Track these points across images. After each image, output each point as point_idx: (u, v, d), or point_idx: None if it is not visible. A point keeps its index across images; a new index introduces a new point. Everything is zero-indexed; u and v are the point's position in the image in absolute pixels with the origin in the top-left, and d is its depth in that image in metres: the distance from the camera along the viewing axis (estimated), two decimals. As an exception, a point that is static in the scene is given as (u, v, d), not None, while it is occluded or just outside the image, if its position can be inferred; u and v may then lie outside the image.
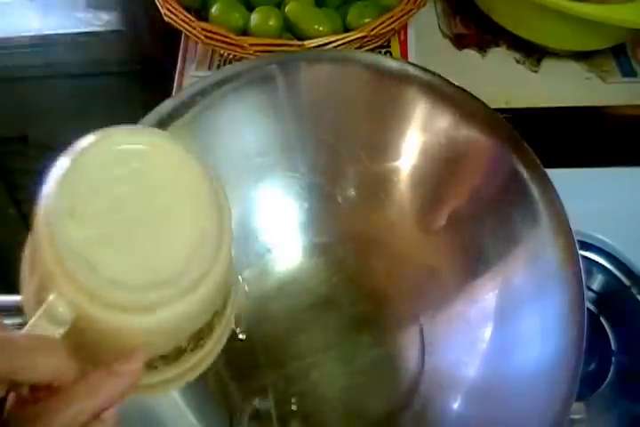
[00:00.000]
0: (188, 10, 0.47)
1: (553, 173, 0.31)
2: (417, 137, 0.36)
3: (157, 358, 0.23)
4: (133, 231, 0.20)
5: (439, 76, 0.34)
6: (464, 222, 0.35)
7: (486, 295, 0.33)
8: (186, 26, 0.46)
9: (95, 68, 0.57)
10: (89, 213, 0.20)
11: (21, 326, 0.25)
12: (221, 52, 0.50)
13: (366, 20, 0.46)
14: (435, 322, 0.35)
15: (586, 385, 0.36)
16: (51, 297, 0.19)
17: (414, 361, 0.35)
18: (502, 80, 0.50)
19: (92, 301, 0.19)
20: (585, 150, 0.46)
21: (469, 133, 0.34)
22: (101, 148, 0.21)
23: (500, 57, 0.51)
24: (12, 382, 0.18)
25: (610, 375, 0.37)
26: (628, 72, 0.50)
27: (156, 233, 0.21)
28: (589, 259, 0.40)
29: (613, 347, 0.38)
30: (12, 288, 0.27)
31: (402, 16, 0.46)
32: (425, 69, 0.35)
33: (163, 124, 0.33)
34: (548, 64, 0.51)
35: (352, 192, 0.38)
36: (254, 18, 0.47)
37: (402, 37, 0.52)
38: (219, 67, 0.51)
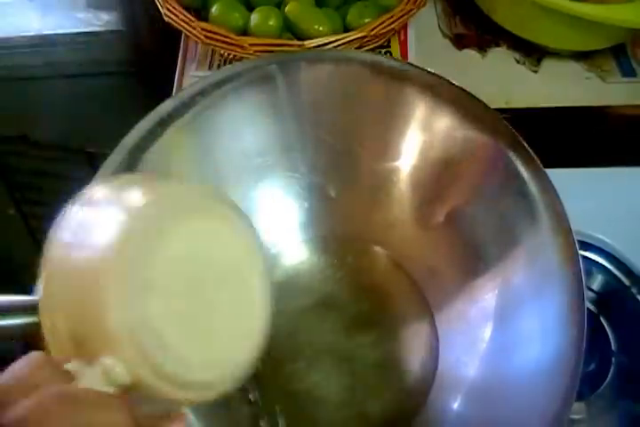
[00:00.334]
0: (187, 10, 0.47)
1: (553, 173, 0.31)
2: (417, 137, 0.36)
3: None
4: (208, 315, 0.21)
5: (439, 76, 0.34)
6: (464, 222, 0.35)
7: (486, 295, 0.33)
8: (186, 26, 0.46)
9: (95, 68, 0.57)
10: (168, 290, 0.20)
11: (21, 326, 0.25)
12: (221, 52, 0.50)
13: (366, 20, 0.46)
14: (435, 322, 0.35)
15: (586, 385, 0.36)
16: (109, 360, 0.19)
17: (414, 361, 0.35)
18: (502, 80, 0.50)
19: (154, 373, 0.19)
20: (585, 150, 0.46)
21: (469, 133, 0.34)
22: (183, 224, 0.21)
23: (500, 57, 0.51)
24: None
25: (610, 375, 0.37)
26: (627, 72, 0.50)
27: (227, 320, 0.22)
28: (589, 259, 0.40)
29: (613, 347, 0.38)
30: (12, 288, 0.27)
31: (402, 16, 0.46)
32: (425, 69, 0.35)
33: (163, 124, 0.33)
34: (547, 64, 0.51)
35: (352, 192, 0.38)
36: (254, 18, 0.47)
37: (402, 37, 0.52)
38: (219, 67, 0.51)
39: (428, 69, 0.35)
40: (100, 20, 0.59)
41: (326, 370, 0.35)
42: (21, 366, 0.19)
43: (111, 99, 0.55)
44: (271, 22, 0.46)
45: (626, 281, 0.40)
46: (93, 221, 0.20)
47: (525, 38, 0.50)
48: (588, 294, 0.39)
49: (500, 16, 0.51)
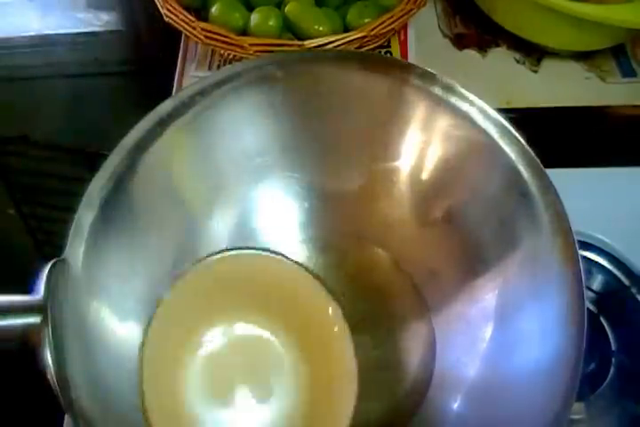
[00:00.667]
0: (187, 10, 0.47)
1: (553, 173, 0.31)
2: (417, 137, 0.36)
3: None
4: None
5: (439, 75, 0.34)
6: (464, 222, 0.35)
7: (486, 295, 0.33)
8: (186, 26, 0.46)
9: (95, 69, 0.57)
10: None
11: (21, 326, 0.25)
12: (221, 52, 0.50)
13: (366, 20, 0.46)
14: (435, 322, 0.35)
15: (586, 385, 0.36)
16: None
17: (415, 362, 0.35)
18: (502, 80, 0.50)
19: None
20: (585, 150, 0.46)
21: (469, 133, 0.34)
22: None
23: (500, 57, 0.51)
24: None
25: (610, 375, 0.37)
26: (627, 72, 0.50)
27: None
28: (589, 259, 0.40)
29: (613, 347, 0.38)
30: (12, 288, 0.27)
31: (402, 16, 0.46)
32: (425, 69, 0.35)
33: (162, 124, 0.33)
34: (547, 64, 0.51)
35: (352, 191, 0.38)
36: (254, 18, 0.47)
37: (402, 37, 0.52)
38: (219, 67, 0.51)
39: (429, 69, 0.35)
40: (100, 21, 0.59)
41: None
42: None
43: (111, 99, 0.55)
44: (271, 22, 0.46)
45: (626, 281, 0.40)
46: None
47: (525, 38, 0.50)
48: (588, 294, 0.39)
49: (501, 16, 0.51)
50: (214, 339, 0.22)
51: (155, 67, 0.56)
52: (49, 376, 0.25)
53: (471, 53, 0.52)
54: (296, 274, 0.22)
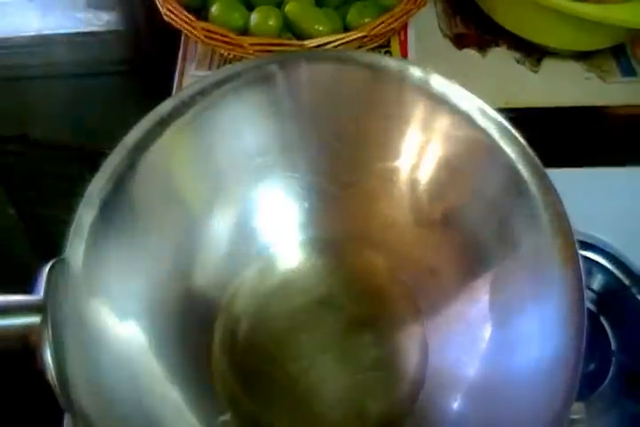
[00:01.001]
0: (187, 9, 0.47)
1: (553, 173, 0.31)
2: (416, 136, 0.36)
3: None
4: None
5: (439, 75, 0.34)
6: (464, 222, 0.35)
7: (486, 295, 0.33)
8: (186, 26, 0.46)
9: (95, 68, 0.57)
10: None
11: (21, 326, 0.25)
12: (221, 51, 0.50)
13: (366, 20, 0.46)
14: (435, 322, 0.35)
15: (586, 385, 0.36)
16: None
17: (416, 362, 0.35)
18: (502, 80, 0.50)
19: None
20: (585, 150, 0.46)
21: (469, 133, 0.34)
22: None
23: (500, 57, 0.51)
24: None
25: (610, 375, 0.37)
26: (627, 72, 0.50)
27: None
28: (589, 259, 0.40)
29: (613, 347, 0.38)
30: (12, 288, 0.27)
31: (402, 16, 0.46)
32: (425, 69, 0.35)
33: (163, 123, 0.33)
34: (548, 64, 0.51)
35: (352, 191, 0.38)
36: (254, 17, 0.47)
37: (402, 37, 0.52)
38: (219, 66, 0.51)
39: (428, 69, 0.35)
40: (99, 20, 0.59)
41: (324, 370, 0.35)
42: None
43: (111, 98, 0.55)
44: (271, 22, 0.46)
45: (626, 281, 0.40)
46: None
47: (525, 38, 0.50)
48: (588, 294, 0.39)
49: (501, 16, 0.51)
50: None
51: (154, 66, 0.56)
52: (49, 376, 0.25)
53: (471, 53, 0.52)
54: None
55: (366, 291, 0.38)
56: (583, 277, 0.28)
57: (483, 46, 0.52)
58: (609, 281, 0.40)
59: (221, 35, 0.44)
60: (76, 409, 0.26)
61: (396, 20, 0.45)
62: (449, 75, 0.34)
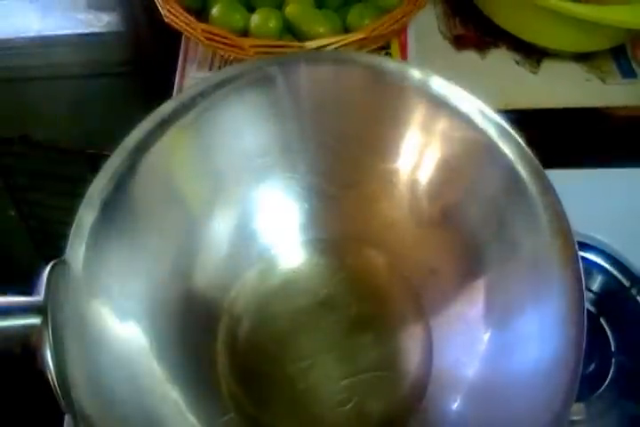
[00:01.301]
0: (188, 11, 0.47)
1: (553, 174, 0.31)
2: (416, 138, 0.36)
3: None
4: None
5: (438, 77, 0.34)
6: (463, 223, 0.35)
7: (485, 296, 0.33)
8: (186, 27, 0.46)
9: (95, 69, 0.57)
10: None
11: (22, 326, 0.25)
12: (222, 53, 0.50)
13: (366, 22, 0.46)
14: (434, 322, 0.35)
15: (586, 386, 0.36)
16: None
17: (416, 362, 0.35)
18: (502, 81, 0.50)
19: None
20: (585, 151, 0.46)
21: (469, 134, 0.34)
22: None
23: (500, 58, 0.52)
24: None
25: (610, 376, 0.37)
26: (627, 73, 0.50)
27: None
28: (589, 260, 0.40)
29: (613, 347, 0.38)
30: (12, 288, 0.27)
31: (402, 17, 0.46)
32: (424, 71, 0.35)
33: (163, 125, 0.33)
34: (547, 65, 0.51)
35: (352, 192, 0.38)
36: (255, 19, 0.47)
37: (402, 39, 0.52)
38: (219, 68, 0.51)
39: (428, 70, 0.35)
40: (100, 21, 0.59)
41: (326, 371, 0.35)
42: None
43: (112, 100, 0.55)
44: (271, 24, 0.46)
45: (625, 282, 0.40)
46: None
47: (525, 40, 0.50)
48: (588, 295, 0.39)
49: (500, 17, 0.51)
50: None
51: (155, 68, 0.56)
52: (49, 377, 0.25)
53: (471, 55, 0.52)
54: None
55: (368, 291, 0.38)
56: (583, 278, 0.28)
57: (482, 48, 0.52)
58: (608, 282, 0.40)
59: (222, 36, 0.45)
60: (77, 410, 0.26)
61: (395, 22, 0.45)
62: (448, 76, 0.34)
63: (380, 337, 0.36)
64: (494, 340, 0.32)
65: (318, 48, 0.43)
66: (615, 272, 0.40)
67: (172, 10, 0.46)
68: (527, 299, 0.31)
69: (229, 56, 0.49)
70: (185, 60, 0.52)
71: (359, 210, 0.38)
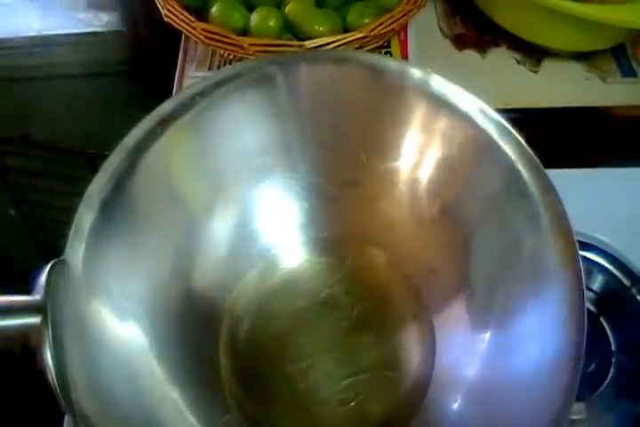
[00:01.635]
0: (188, 10, 0.47)
1: (553, 173, 0.31)
2: (416, 137, 0.36)
3: None
4: None
5: (439, 76, 0.34)
6: (464, 222, 0.35)
7: (486, 295, 0.33)
8: (186, 26, 0.46)
9: (95, 69, 0.57)
10: None
11: (21, 326, 0.25)
12: (221, 52, 0.50)
13: (366, 21, 0.46)
14: (435, 322, 0.35)
15: (586, 385, 0.36)
16: None
17: (417, 361, 0.35)
18: (502, 80, 0.50)
19: None
20: (585, 151, 0.46)
21: (469, 133, 0.34)
22: None
23: (501, 57, 0.51)
24: None
25: (610, 376, 0.37)
26: (628, 72, 0.50)
27: None
28: (589, 259, 0.40)
29: (613, 347, 0.38)
30: (12, 288, 0.27)
31: (402, 16, 0.46)
32: (424, 70, 0.35)
33: (163, 124, 0.33)
34: (548, 65, 0.51)
35: (352, 192, 0.38)
36: (254, 18, 0.46)
37: (402, 38, 0.52)
38: (219, 67, 0.51)
39: (428, 70, 0.35)
40: (100, 21, 0.59)
41: (326, 370, 0.35)
42: None
43: (111, 99, 0.55)
44: (271, 23, 0.46)
45: (626, 281, 0.40)
46: None
47: (525, 39, 0.50)
48: (588, 295, 0.39)
49: (501, 17, 0.51)
50: None
51: (155, 67, 0.56)
52: (49, 377, 0.25)
53: (471, 54, 0.52)
54: None
55: (368, 290, 0.38)
56: (583, 278, 0.28)
57: (483, 47, 0.52)
58: (609, 282, 0.40)
59: (221, 35, 0.44)
60: (77, 410, 0.26)
61: (396, 21, 0.45)
62: (449, 75, 0.34)
63: (381, 337, 0.36)
64: (494, 339, 0.32)
65: (318, 47, 0.43)
66: (616, 272, 0.40)
67: (171, 9, 0.46)
68: (528, 298, 0.31)
69: (229, 55, 0.49)
70: (184, 59, 0.52)
71: (359, 209, 0.38)
